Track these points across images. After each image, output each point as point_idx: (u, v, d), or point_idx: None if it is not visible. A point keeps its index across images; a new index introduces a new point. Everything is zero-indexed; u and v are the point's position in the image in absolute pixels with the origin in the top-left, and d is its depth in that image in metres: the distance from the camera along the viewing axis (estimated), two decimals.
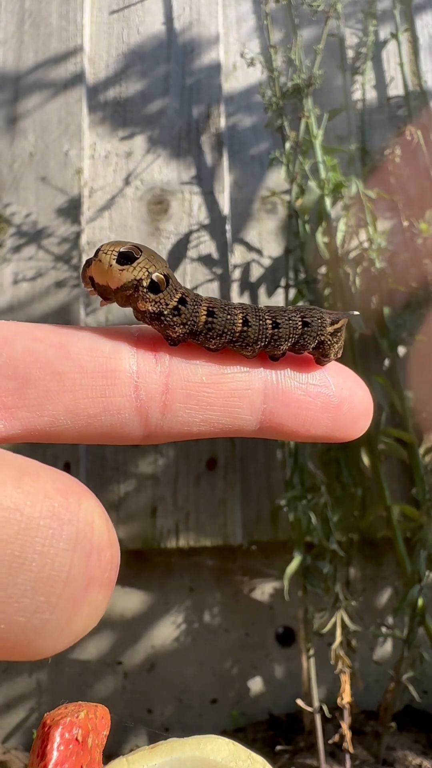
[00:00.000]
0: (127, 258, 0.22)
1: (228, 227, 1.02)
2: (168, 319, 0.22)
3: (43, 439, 0.21)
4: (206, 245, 1.02)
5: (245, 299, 1.01)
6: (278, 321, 0.23)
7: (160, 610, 0.94)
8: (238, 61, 1.09)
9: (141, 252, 0.22)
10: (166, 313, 0.22)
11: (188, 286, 1.00)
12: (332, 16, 0.92)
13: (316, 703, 0.79)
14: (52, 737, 0.25)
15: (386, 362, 0.94)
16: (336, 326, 0.24)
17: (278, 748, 0.82)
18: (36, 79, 1.09)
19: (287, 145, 0.91)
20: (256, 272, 1.02)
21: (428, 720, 0.88)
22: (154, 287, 0.22)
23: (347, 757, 0.76)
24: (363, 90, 1.06)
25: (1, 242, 1.03)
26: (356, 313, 0.26)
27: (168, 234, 1.03)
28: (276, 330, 0.23)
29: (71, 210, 1.03)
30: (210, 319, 0.22)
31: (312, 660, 0.82)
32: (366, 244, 0.92)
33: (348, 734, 0.75)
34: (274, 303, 1.00)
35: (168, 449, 0.95)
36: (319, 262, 0.91)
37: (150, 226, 1.03)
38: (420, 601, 0.78)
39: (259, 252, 1.03)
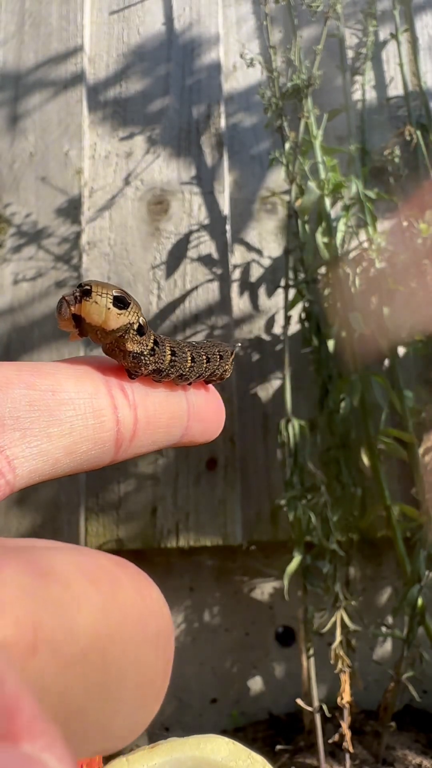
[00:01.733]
0: (121, 302, 0.23)
1: (228, 227, 1.02)
2: (146, 359, 0.24)
3: (43, 480, 0.22)
4: (206, 245, 1.02)
5: (245, 299, 1.01)
6: (209, 356, 0.27)
7: None
8: (238, 61, 1.09)
9: (129, 296, 0.24)
10: (146, 353, 0.24)
11: (188, 287, 1.01)
12: (332, 17, 0.92)
13: (316, 703, 0.80)
14: None
15: (386, 362, 0.94)
16: (232, 357, 0.29)
17: (278, 747, 0.83)
18: (36, 80, 1.09)
19: (287, 145, 0.91)
20: (256, 272, 1.02)
21: (428, 719, 0.88)
22: (140, 330, 0.24)
23: (347, 756, 0.76)
24: (363, 90, 1.06)
25: (1, 242, 1.03)
26: (240, 344, 0.30)
27: (168, 234, 1.03)
28: (207, 364, 0.27)
29: (71, 210, 1.03)
30: (173, 357, 0.25)
31: (312, 660, 0.82)
32: (366, 244, 0.92)
33: (348, 734, 0.75)
34: (274, 303, 1.01)
35: (168, 449, 0.96)
36: (319, 262, 0.91)
37: (150, 226, 1.03)
38: (420, 601, 0.78)
39: (259, 252, 1.03)
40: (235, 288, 1.01)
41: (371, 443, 0.87)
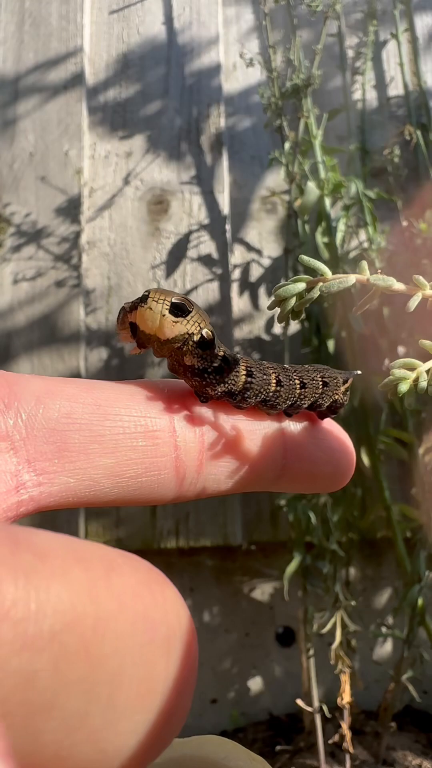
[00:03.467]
0: (180, 309, 0.21)
1: (228, 227, 1.02)
2: (211, 377, 0.22)
3: (79, 504, 0.20)
4: (206, 245, 1.02)
5: (245, 299, 1.01)
6: (304, 381, 0.24)
7: None
8: (237, 61, 1.09)
9: (192, 305, 0.22)
10: (210, 370, 0.22)
11: (188, 287, 1.00)
12: (331, 17, 0.92)
13: (316, 703, 0.79)
14: None
15: (386, 362, 0.94)
16: (346, 386, 0.26)
17: (278, 748, 0.82)
18: (36, 79, 1.09)
19: (287, 145, 0.91)
20: (255, 272, 1.02)
21: (428, 720, 0.88)
22: (203, 343, 0.22)
23: (347, 757, 0.76)
24: (363, 90, 1.06)
25: (1, 242, 1.03)
26: (359, 372, 0.27)
27: (168, 234, 1.02)
28: (303, 390, 0.24)
29: (71, 210, 1.03)
30: (249, 379, 0.22)
31: (312, 660, 0.82)
32: (366, 244, 0.92)
33: (348, 734, 0.75)
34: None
35: None
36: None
37: (150, 226, 1.03)
38: (420, 601, 0.78)
39: (258, 252, 1.03)
40: (235, 288, 1.01)
41: (371, 443, 0.87)
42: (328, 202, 0.91)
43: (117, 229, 1.03)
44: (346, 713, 0.76)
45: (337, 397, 0.25)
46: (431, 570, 0.78)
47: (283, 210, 1.03)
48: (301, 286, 0.22)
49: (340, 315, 0.88)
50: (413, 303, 0.22)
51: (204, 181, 1.04)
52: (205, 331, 0.22)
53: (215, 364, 0.22)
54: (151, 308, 0.21)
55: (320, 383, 0.24)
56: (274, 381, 0.23)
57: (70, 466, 0.19)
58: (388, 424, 0.89)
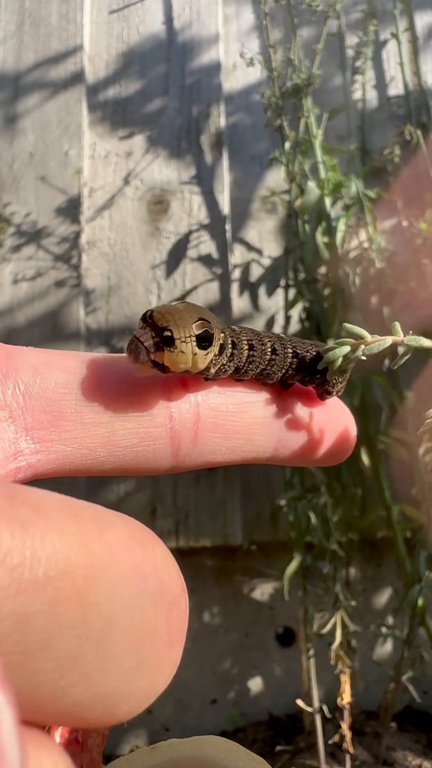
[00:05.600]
0: (205, 340, 0.21)
1: (228, 227, 1.02)
2: (226, 367, 0.22)
3: (76, 472, 0.21)
4: (206, 245, 1.02)
5: (245, 299, 1.01)
6: (297, 351, 0.24)
7: None
8: (237, 60, 1.09)
9: (209, 322, 0.21)
10: (224, 362, 0.22)
11: (188, 287, 1.00)
12: (331, 16, 0.92)
13: (316, 704, 0.79)
14: (51, 738, 0.25)
15: (386, 362, 0.94)
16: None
17: (278, 748, 0.82)
18: (36, 79, 1.09)
19: (287, 145, 0.91)
20: (255, 272, 1.02)
21: (428, 720, 0.88)
22: (222, 349, 0.22)
23: (347, 757, 0.76)
24: (363, 90, 1.06)
25: (0, 242, 1.03)
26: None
27: (168, 234, 1.02)
28: (294, 359, 0.24)
29: (71, 210, 1.03)
30: (251, 352, 0.23)
31: (312, 660, 0.82)
32: (366, 244, 0.92)
33: (348, 734, 0.75)
34: (274, 303, 1.00)
35: None
36: (319, 262, 0.91)
37: (150, 226, 1.03)
38: (420, 601, 0.78)
39: (258, 252, 1.03)
40: (235, 288, 1.01)
41: (371, 443, 0.87)
42: (328, 201, 0.91)
43: (117, 229, 1.03)
44: (346, 713, 0.76)
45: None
46: (431, 570, 0.78)
47: (283, 210, 1.02)
48: (346, 349, 0.24)
49: (340, 315, 0.88)
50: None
51: (204, 181, 1.04)
52: (222, 338, 0.22)
53: (227, 355, 0.22)
54: (183, 351, 0.20)
55: (313, 354, 0.24)
56: (270, 350, 0.23)
57: (66, 435, 0.20)
58: (388, 424, 0.89)
